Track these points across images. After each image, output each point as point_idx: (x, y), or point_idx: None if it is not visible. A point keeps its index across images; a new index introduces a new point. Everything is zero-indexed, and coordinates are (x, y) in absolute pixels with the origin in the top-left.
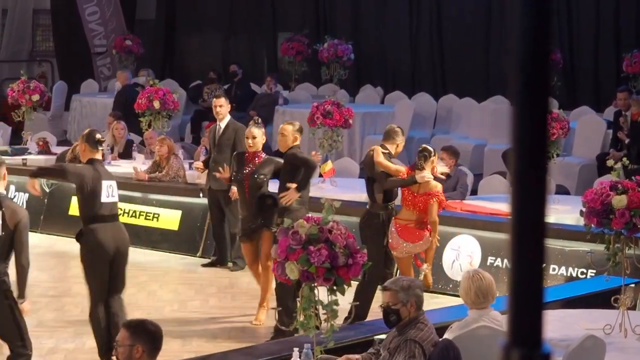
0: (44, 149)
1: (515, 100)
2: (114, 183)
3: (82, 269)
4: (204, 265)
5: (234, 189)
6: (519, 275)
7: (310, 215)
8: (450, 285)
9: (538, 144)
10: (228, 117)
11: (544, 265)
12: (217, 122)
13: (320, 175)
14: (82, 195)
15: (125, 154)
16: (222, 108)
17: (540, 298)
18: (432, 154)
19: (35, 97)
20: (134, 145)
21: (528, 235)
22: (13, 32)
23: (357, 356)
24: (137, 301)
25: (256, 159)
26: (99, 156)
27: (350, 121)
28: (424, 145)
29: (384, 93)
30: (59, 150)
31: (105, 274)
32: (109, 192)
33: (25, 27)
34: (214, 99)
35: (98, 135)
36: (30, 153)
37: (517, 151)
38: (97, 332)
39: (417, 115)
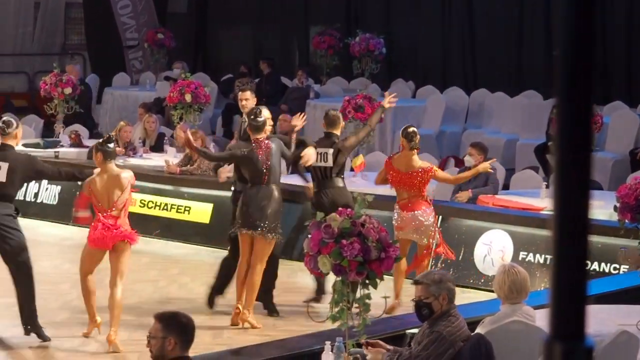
0: (76, 142)
1: (559, 95)
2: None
3: None
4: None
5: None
6: (562, 269)
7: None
8: (482, 280)
9: (582, 140)
10: (265, 110)
11: (587, 260)
12: (243, 115)
13: (352, 170)
14: None
15: (157, 147)
16: (248, 101)
17: (583, 292)
18: (417, 132)
19: (68, 90)
20: (166, 138)
21: (571, 230)
22: (45, 26)
23: (389, 347)
24: (168, 294)
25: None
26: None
27: (382, 115)
28: (406, 126)
29: (415, 87)
30: (90, 143)
31: None
32: None
33: (57, 20)
34: (240, 93)
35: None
36: (62, 146)
37: (561, 147)
38: None
39: (449, 110)
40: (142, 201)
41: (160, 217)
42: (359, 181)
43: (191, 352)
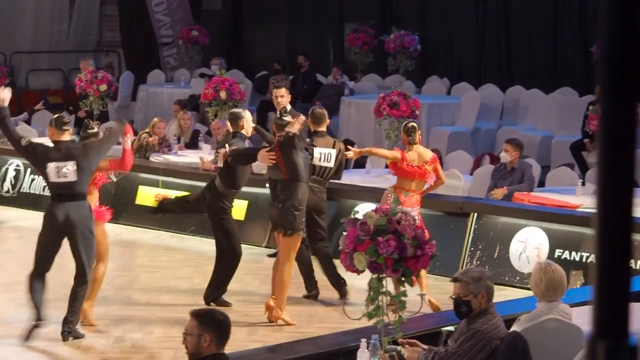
0: None
1: (602, 93)
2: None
3: None
4: (270, 256)
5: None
6: (605, 267)
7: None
8: (517, 278)
9: (625, 138)
10: (289, 108)
11: (631, 258)
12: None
13: (387, 167)
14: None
15: (192, 144)
16: (283, 98)
17: (627, 291)
18: (417, 127)
19: (103, 87)
20: (201, 135)
21: (615, 229)
22: (80, 23)
23: (425, 346)
24: (203, 291)
25: None
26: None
27: (417, 112)
28: (406, 122)
29: (450, 84)
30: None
31: (47, 247)
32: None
33: (92, 17)
34: (275, 90)
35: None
36: None
37: (604, 145)
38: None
39: (484, 107)
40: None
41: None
42: (393, 178)
43: (226, 349)
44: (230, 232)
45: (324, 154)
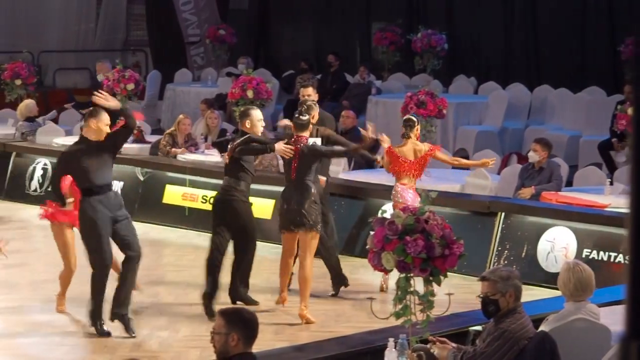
0: (139, 138)
1: (635, 91)
2: None
3: None
4: (297, 256)
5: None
6: (638, 267)
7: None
8: (545, 277)
9: None
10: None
11: None
12: None
13: None
14: None
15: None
16: (310, 98)
17: None
18: (416, 123)
19: (130, 86)
20: (228, 134)
21: None
22: (107, 22)
23: (454, 344)
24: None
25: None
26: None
27: (444, 111)
28: (407, 116)
29: (477, 83)
30: (153, 139)
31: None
32: None
33: (119, 16)
34: (302, 89)
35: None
36: None
37: (637, 144)
38: None
39: (511, 106)
40: (204, 197)
41: None
42: (422, 177)
43: (253, 348)
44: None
45: None
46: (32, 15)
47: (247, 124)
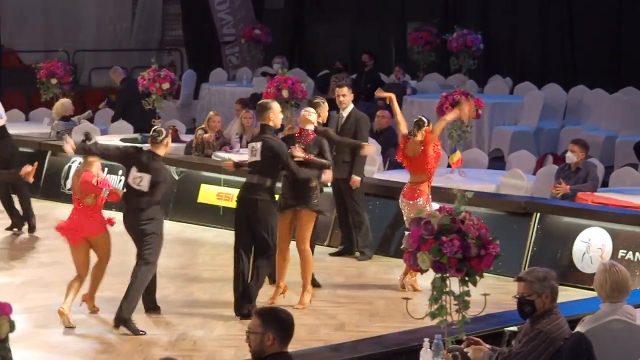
0: (174, 137)
1: None
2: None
3: None
4: (332, 255)
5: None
6: None
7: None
8: (580, 278)
9: None
10: (351, 107)
11: None
12: (340, 111)
13: (449, 166)
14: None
15: None
16: (345, 97)
17: None
18: (426, 123)
19: (166, 86)
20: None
21: None
22: (143, 21)
23: (488, 346)
24: (265, 290)
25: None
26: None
27: (480, 111)
28: (419, 116)
29: (512, 83)
30: (188, 138)
31: None
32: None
33: (155, 16)
34: (337, 88)
35: None
36: None
37: None
38: None
39: (547, 106)
40: None
41: None
42: (456, 177)
43: (288, 348)
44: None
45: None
46: (68, 14)
47: (270, 116)
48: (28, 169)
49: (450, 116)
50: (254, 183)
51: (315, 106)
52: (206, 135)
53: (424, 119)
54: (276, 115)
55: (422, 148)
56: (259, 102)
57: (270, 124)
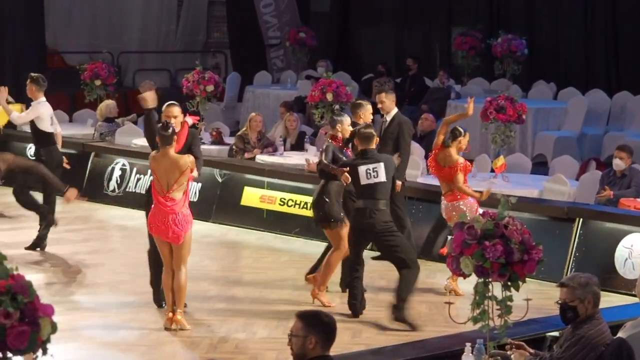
0: (217, 139)
1: None
2: None
3: None
4: (374, 259)
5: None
6: None
7: (485, 210)
8: (623, 284)
9: None
10: (394, 111)
11: None
12: (384, 115)
13: (492, 171)
14: None
15: (298, 146)
16: (384, 103)
17: None
18: (462, 134)
19: (210, 88)
20: (307, 136)
21: None
22: (188, 23)
23: (531, 350)
24: (307, 293)
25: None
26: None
27: (524, 117)
28: (455, 126)
29: (557, 89)
30: (232, 140)
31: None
32: None
33: (200, 18)
34: (377, 95)
35: None
36: (203, 143)
37: None
38: None
39: (591, 112)
40: (282, 199)
41: (300, 216)
42: (500, 182)
43: (330, 352)
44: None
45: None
46: (112, 15)
47: (362, 115)
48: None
49: (453, 117)
50: (381, 209)
51: (356, 107)
52: (247, 154)
53: (460, 129)
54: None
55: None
56: (364, 130)
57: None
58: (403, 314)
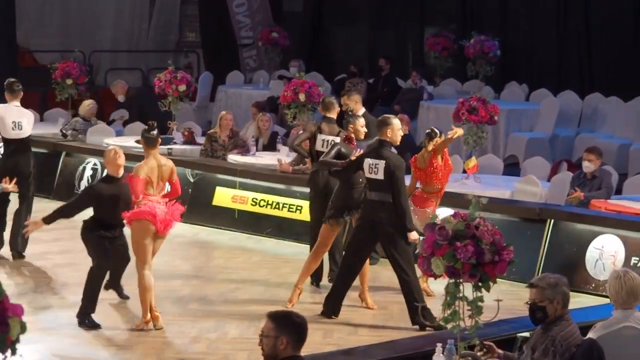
0: (189, 139)
1: None
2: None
3: None
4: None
5: None
6: None
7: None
8: (593, 285)
9: None
10: (362, 111)
11: None
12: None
13: (464, 171)
14: None
15: (270, 146)
16: (348, 107)
17: None
18: (438, 135)
19: (182, 88)
20: (279, 137)
21: None
22: (160, 23)
23: (500, 351)
24: (279, 293)
25: None
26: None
27: (496, 118)
28: (431, 127)
29: (529, 90)
30: (203, 140)
31: None
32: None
33: (172, 17)
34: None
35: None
36: (175, 143)
37: None
38: None
39: (562, 113)
40: (254, 200)
41: (272, 216)
42: (472, 183)
43: (301, 352)
44: None
45: (327, 141)
46: (85, 14)
47: (389, 133)
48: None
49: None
50: (379, 200)
51: (329, 106)
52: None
53: (436, 130)
54: (395, 132)
55: (430, 160)
56: (382, 118)
57: (388, 140)
58: (422, 318)
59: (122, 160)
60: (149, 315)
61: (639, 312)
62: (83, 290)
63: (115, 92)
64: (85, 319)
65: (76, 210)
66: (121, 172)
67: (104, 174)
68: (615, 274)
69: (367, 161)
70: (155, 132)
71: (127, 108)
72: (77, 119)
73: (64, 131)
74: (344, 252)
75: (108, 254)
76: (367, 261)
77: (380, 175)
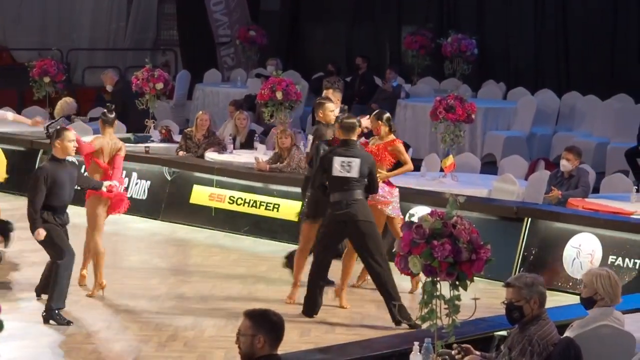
0: (167, 137)
1: None
2: None
3: None
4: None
5: None
6: None
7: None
8: (570, 283)
9: None
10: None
11: None
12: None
13: (442, 170)
14: None
15: (247, 144)
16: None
17: None
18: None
19: (159, 86)
20: (256, 135)
21: None
22: (138, 21)
23: (477, 352)
24: (256, 291)
25: None
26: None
27: (473, 116)
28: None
29: (506, 89)
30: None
31: None
32: None
33: (150, 15)
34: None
35: None
36: (152, 141)
37: None
38: None
39: (540, 112)
40: (232, 198)
41: (249, 214)
42: (449, 182)
43: (278, 350)
44: None
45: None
46: (62, 12)
47: (320, 114)
48: None
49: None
50: (358, 199)
51: (319, 107)
52: (181, 153)
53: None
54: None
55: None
56: (346, 120)
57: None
58: (400, 315)
59: (74, 143)
60: (104, 280)
61: (617, 311)
62: (49, 286)
63: (105, 81)
64: (55, 315)
65: (40, 196)
66: (70, 154)
67: (49, 155)
68: (605, 273)
69: (339, 160)
70: (113, 115)
71: (112, 100)
72: (62, 118)
73: (50, 129)
74: (314, 251)
75: (66, 241)
76: (353, 261)
77: (355, 174)
